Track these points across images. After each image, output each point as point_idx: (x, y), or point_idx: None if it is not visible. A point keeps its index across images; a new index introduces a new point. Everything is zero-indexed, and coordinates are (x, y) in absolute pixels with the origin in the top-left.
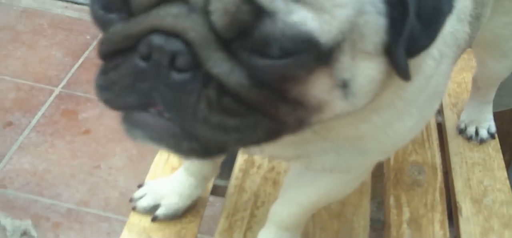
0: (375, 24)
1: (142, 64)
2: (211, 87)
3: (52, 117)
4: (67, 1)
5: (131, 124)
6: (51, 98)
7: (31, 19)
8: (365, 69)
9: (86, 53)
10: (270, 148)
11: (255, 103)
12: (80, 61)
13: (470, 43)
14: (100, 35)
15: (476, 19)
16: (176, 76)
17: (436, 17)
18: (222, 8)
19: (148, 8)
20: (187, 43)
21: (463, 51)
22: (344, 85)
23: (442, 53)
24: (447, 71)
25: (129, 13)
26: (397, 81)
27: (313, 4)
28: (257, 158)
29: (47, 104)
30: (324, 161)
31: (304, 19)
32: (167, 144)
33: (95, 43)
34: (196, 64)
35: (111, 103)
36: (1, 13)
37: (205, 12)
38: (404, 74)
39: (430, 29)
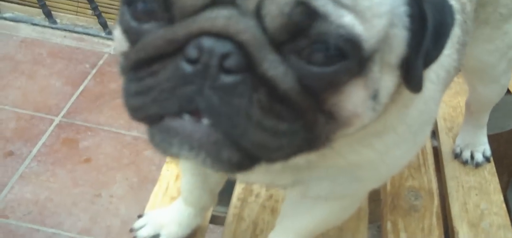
0: (401, 36)
1: (187, 67)
2: (262, 91)
3: (52, 146)
4: (66, 30)
5: (164, 133)
6: (52, 127)
7: (31, 49)
8: (387, 82)
9: (86, 82)
10: (267, 176)
11: (301, 109)
12: (79, 90)
13: (458, 70)
14: (100, 63)
15: (462, 46)
16: (226, 78)
17: (443, 30)
18: (276, 10)
19: (194, 13)
20: (240, 45)
21: (452, 78)
22: (375, 96)
23: (439, 76)
24: (439, 97)
25: (170, 20)
26: (400, 102)
27: (357, 12)
28: (255, 187)
29: (47, 134)
30: (320, 188)
31: (353, 23)
32: (206, 153)
33: (94, 71)
34: (246, 67)
35: (142, 110)
36: (1, 43)
37: (257, 16)
38: (419, 85)
39: (439, 42)
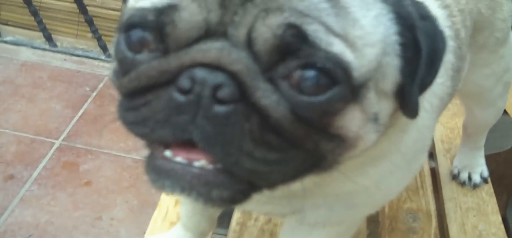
0: (394, 65)
1: (180, 98)
2: (253, 120)
3: (53, 169)
4: (66, 54)
5: (158, 174)
6: (52, 150)
7: (31, 73)
8: (385, 106)
9: (86, 105)
10: (265, 206)
11: (295, 138)
12: (79, 113)
13: (452, 96)
14: (100, 86)
15: (457, 72)
16: (218, 108)
17: (436, 56)
18: (268, 32)
19: (188, 45)
20: (232, 75)
21: (446, 104)
22: (375, 119)
23: (433, 104)
24: (433, 125)
25: (164, 51)
26: (398, 127)
27: (348, 41)
28: (253, 213)
29: (48, 157)
30: (317, 215)
31: (343, 51)
32: (198, 193)
33: (94, 94)
34: (239, 97)
35: (147, 137)
36: (1, 67)
37: (248, 45)
38: (415, 111)
39: (432, 67)
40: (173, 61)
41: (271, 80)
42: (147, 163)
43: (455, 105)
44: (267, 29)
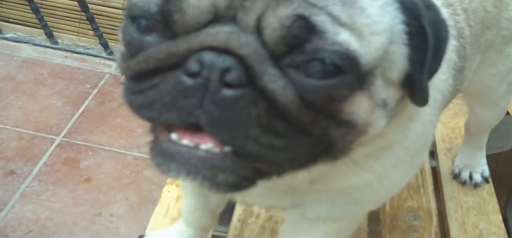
0: (400, 53)
1: (188, 81)
2: (261, 105)
3: (53, 166)
4: (67, 51)
5: (164, 157)
6: (52, 147)
7: (32, 69)
8: (393, 93)
9: (86, 102)
10: (267, 199)
11: (303, 123)
12: (80, 110)
13: (453, 94)
14: (101, 83)
15: (459, 72)
16: (226, 92)
17: (440, 44)
18: (277, 22)
19: (197, 29)
20: (240, 59)
21: (448, 102)
22: (384, 105)
23: (435, 100)
24: (435, 121)
25: (172, 34)
26: (406, 115)
27: (355, 29)
28: (255, 208)
29: (48, 153)
30: (318, 210)
31: (349, 40)
32: (203, 177)
33: (95, 92)
34: (247, 81)
35: (154, 120)
36: (2, 63)
37: (257, 31)
38: (425, 98)
39: (437, 55)
40: (182, 44)
41: (279, 66)
42: (152, 147)
43: (456, 105)
44: (276, 20)
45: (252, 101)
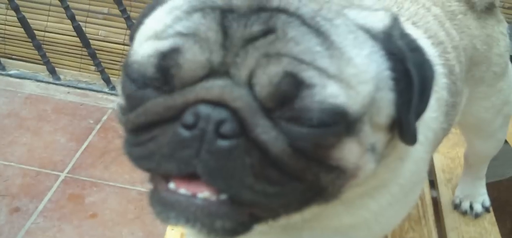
0: (387, 99)
1: (185, 133)
2: (254, 155)
3: (58, 202)
4: (70, 86)
5: (163, 205)
6: (57, 183)
7: (35, 105)
8: (381, 137)
9: (90, 137)
10: (265, 236)
11: (295, 171)
12: (84, 145)
13: (447, 130)
14: (104, 118)
15: (452, 107)
16: (221, 143)
17: (425, 84)
18: (267, 79)
19: (192, 83)
20: (234, 112)
21: (440, 139)
22: (373, 149)
23: (427, 137)
24: (427, 158)
25: (169, 88)
26: (395, 155)
27: (343, 80)
28: None
29: (53, 190)
30: None
31: (336, 93)
32: (202, 224)
33: (98, 127)
34: (240, 132)
35: (153, 171)
36: (6, 100)
37: (249, 85)
38: (414, 138)
39: (423, 96)
40: (178, 98)
41: (270, 117)
42: (151, 196)
43: (456, 135)
44: (266, 77)
45: (246, 151)
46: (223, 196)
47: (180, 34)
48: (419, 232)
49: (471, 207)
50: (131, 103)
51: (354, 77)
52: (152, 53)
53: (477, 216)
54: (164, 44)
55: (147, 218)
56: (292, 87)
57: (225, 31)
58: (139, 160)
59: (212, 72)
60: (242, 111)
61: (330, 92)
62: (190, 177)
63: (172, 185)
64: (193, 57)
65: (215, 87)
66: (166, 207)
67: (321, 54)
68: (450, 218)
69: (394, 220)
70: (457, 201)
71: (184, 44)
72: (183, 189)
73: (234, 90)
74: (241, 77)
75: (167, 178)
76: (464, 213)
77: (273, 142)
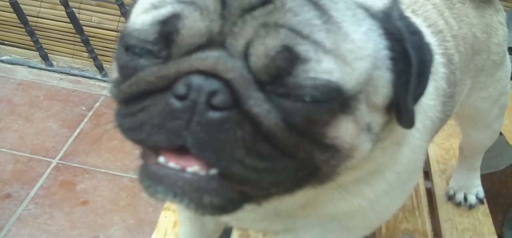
0: (385, 78)
1: (176, 103)
2: (246, 128)
3: (50, 189)
4: (62, 73)
5: (151, 179)
6: (49, 170)
7: (28, 92)
8: (377, 117)
9: (82, 124)
10: (260, 223)
11: (287, 147)
12: (76, 132)
13: (444, 120)
14: (96, 105)
15: (449, 98)
16: (212, 114)
17: (424, 67)
18: (263, 51)
19: (188, 53)
20: (227, 83)
21: (438, 128)
22: (369, 128)
23: (425, 125)
24: (425, 146)
25: (165, 57)
26: (393, 139)
27: (339, 55)
28: (252, 233)
29: (45, 176)
30: (310, 235)
31: (331, 69)
32: (189, 199)
33: (90, 114)
34: (232, 105)
35: (143, 143)
36: None
37: (245, 57)
38: (412, 121)
39: (422, 79)
40: (172, 67)
41: (264, 91)
42: (141, 170)
43: (450, 126)
44: (263, 48)
45: (237, 124)
46: (213, 171)
47: (179, 1)
48: (413, 222)
49: (465, 199)
50: (125, 74)
51: (351, 53)
52: (152, 21)
53: (471, 207)
54: (164, 12)
55: (139, 205)
56: (287, 62)
57: (223, 0)
58: (129, 131)
59: (210, 42)
60: (235, 83)
61: (324, 68)
62: (182, 151)
63: (161, 159)
64: (193, 24)
65: (210, 57)
66: (154, 181)
67: (319, 27)
68: (444, 209)
69: (390, 209)
70: (451, 192)
71: (183, 10)
72: (173, 163)
73: (228, 61)
74: (237, 48)
75: (157, 152)
76: (458, 204)
77: (266, 115)
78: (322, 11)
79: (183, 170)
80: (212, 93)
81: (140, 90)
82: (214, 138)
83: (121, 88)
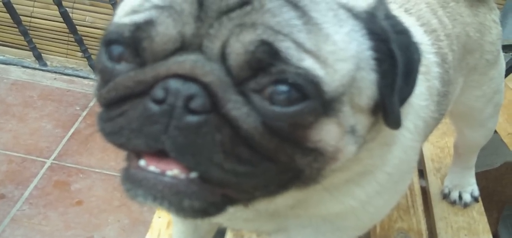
0: (369, 79)
1: (154, 107)
2: (225, 132)
3: (44, 189)
4: (56, 73)
5: (131, 182)
6: (43, 170)
7: (21, 92)
8: (362, 119)
9: (76, 124)
10: (252, 223)
11: (267, 150)
12: (70, 132)
13: (438, 120)
14: (90, 105)
15: (443, 97)
16: (190, 118)
17: (411, 67)
18: (241, 48)
19: (164, 57)
20: (205, 87)
21: (431, 128)
22: (353, 131)
23: (417, 126)
24: (418, 147)
25: (141, 62)
26: (381, 140)
27: (320, 57)
28: (245, 233)
29: (39, 176)
30: (303, 236)
31: (313, 67)
32: (169, 202)
33: (84, 114)
34: (211, 108)
35: (124, 146)
36: None
37: (222, 59)
38: (398, 122)
39: (409, 79)
40: (149, 72)
41: (243, 93)
42: (123, 174)
43: (445, 124)
44: (240, 45)
45: (216, 128)
46: (193, 175)
47: (156, 7)
48: (408, 221)
49: (460, 197)
50: (104, 78)
51: (332, 54)
52: (129, 23)
53: (466, 205)
54: (140, 17)
55: (133, 205)
56: (267, 56)
57: (201, 2)
58: (110, 135)
59: (185, 46)
60: (213, 86)
61: (306, 65)
62: (163, 155)
63: (142, 162)
64: (165, 30)
65: (187, 61)
66: (134, 184)
67: (299, 28)
68: (439, 208)
69: (383, 210)
70: (446, 190)
71: (158, 16)
72: (153, 166)
73: (205, 65)
74: (214, 50)
75: (139, 155)
76: (453, 203)
77: (244, 119)
78: (302, 12)
79: (163, 173)
80: (190, 97)
81: (119, 96)
82: (192, 141)
83: (101, 93)
